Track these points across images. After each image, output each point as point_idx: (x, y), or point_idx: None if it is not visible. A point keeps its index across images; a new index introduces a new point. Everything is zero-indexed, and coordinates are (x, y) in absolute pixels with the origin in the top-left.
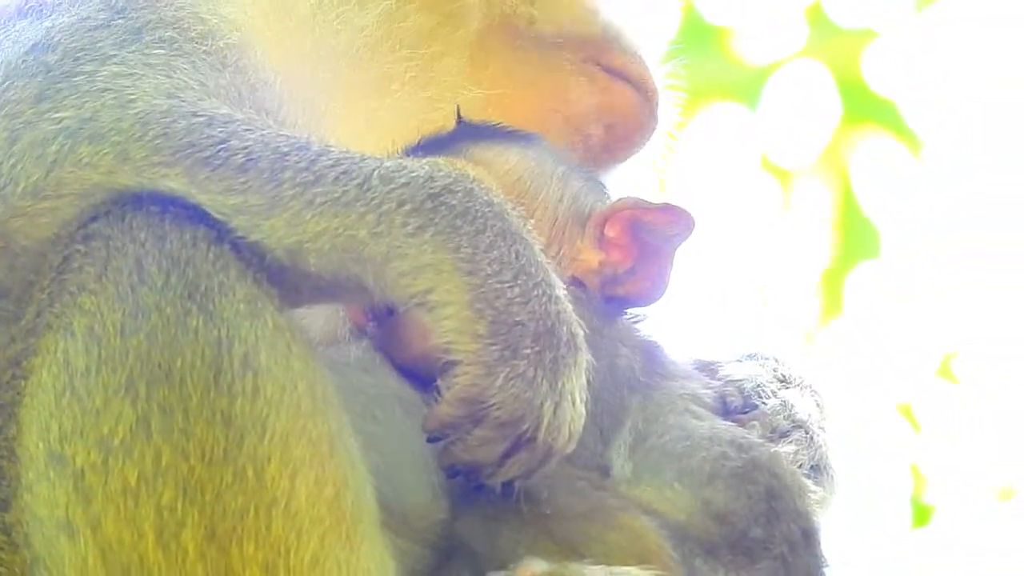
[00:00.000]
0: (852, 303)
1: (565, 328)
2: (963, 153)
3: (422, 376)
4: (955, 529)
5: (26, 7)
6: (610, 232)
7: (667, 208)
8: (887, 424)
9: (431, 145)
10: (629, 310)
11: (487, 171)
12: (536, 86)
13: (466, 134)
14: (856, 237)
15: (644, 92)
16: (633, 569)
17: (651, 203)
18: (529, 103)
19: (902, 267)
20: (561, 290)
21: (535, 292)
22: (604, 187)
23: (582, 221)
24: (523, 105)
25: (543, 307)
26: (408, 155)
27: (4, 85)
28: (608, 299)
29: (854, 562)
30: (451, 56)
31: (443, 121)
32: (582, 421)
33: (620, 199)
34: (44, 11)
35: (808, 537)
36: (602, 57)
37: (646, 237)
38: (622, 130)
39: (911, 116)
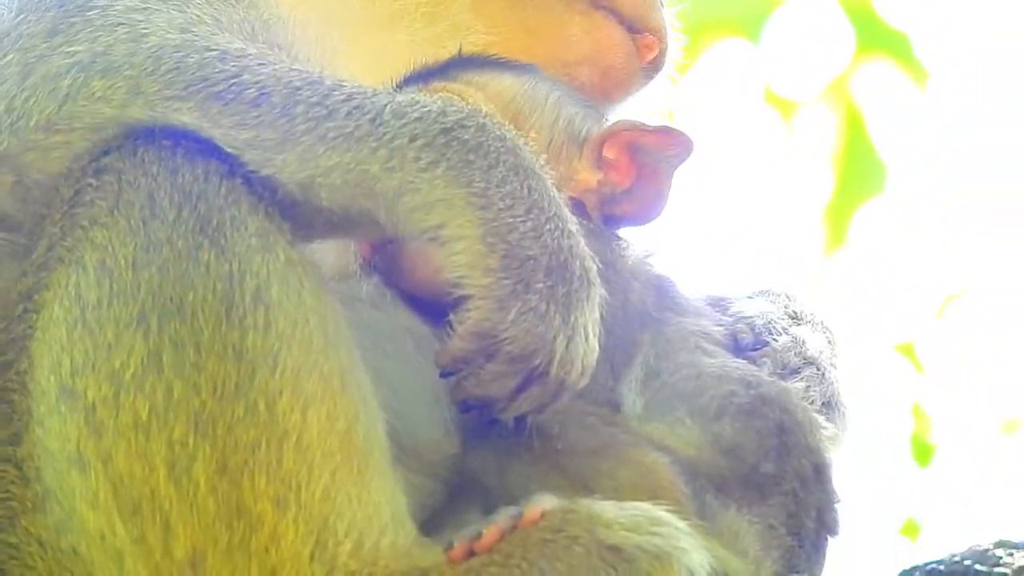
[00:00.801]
0: (856, 238)
1: (578, 262)
2: (972, 87)
3: (433, 311)
4: (959, 464)
5: None
6: (608, 153)
7: (665, 130)
8: (890, 364)
9: (426, 75)
10: (640, 244)
11: (480, 94)
12: (539, 24)
13: (462, 63)
14: (862, 171)
15: (641, 32)
16: (644, 504)
17: (649, 125)
18: (531, 41)
19: (907, 201)
20: (574, 224)
21: (547, 226)
22: (601, 114)
23: (579, 143)
24: (526, 43)
25: (556, 241)
26: (404, 86)
27: (18, 19)
28: (606, 219)
29: (859, 501)
30: None
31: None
32: (595, 356)
33: (618, 121)
34: None
35: (819, 472)
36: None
37: (644, 158)
38: (617, 73)
39: (921, 49)
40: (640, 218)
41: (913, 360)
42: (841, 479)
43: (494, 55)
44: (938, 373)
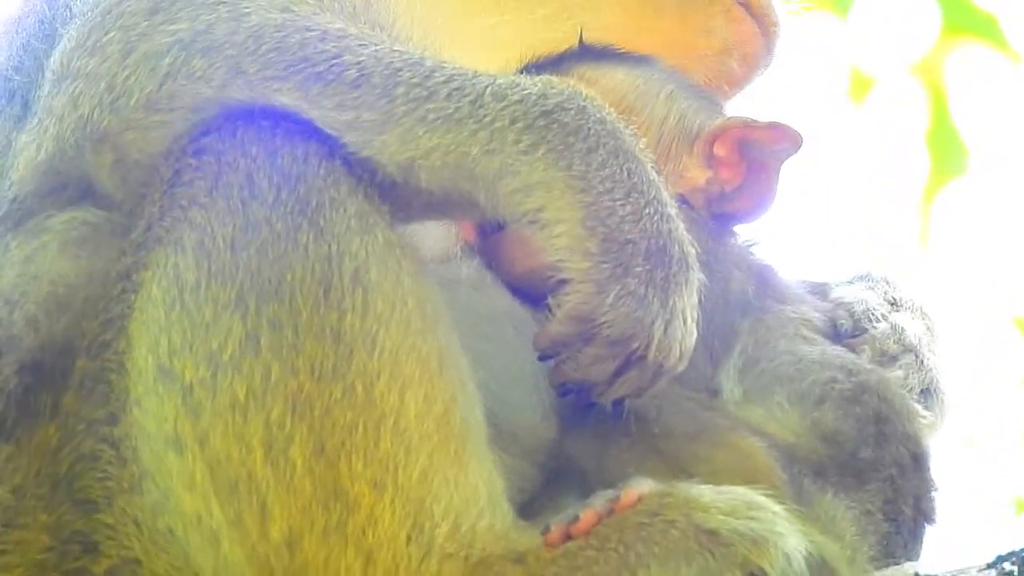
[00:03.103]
0: (941, 219)
1: (677, 247)
2: None
3: (532, 294)
4: None
5: None
6: (719, 151)
7: (775, 126)
8: (1002, 339)
9: (539, 68)
10: (740, 231)
11: (593, 89)
12: (673, 10)
13: (577, 55)
14: (948, 153)
15: (767, 27)
16: (741, 489)
17: (759, 122)
18: (658, 25)
19: (993, 185)
20: (674, 208)
21: (647, 210)
22: (717, 105)
23: (690, 139)
24: (651, 27)
25: (655, 225)
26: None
27: None
28: (713, 216)
29: (969, 477)
30: None
31: (561, 40)
32: (693, 340)
33: (728, 118)
34: None
35: (917, 460)
36: None
37: (754, 154)
38: (745, 63)
39: (1012, 31)
40: (749, 215)
41: None
42: (951, 455)
43: (611, 46)
44: None
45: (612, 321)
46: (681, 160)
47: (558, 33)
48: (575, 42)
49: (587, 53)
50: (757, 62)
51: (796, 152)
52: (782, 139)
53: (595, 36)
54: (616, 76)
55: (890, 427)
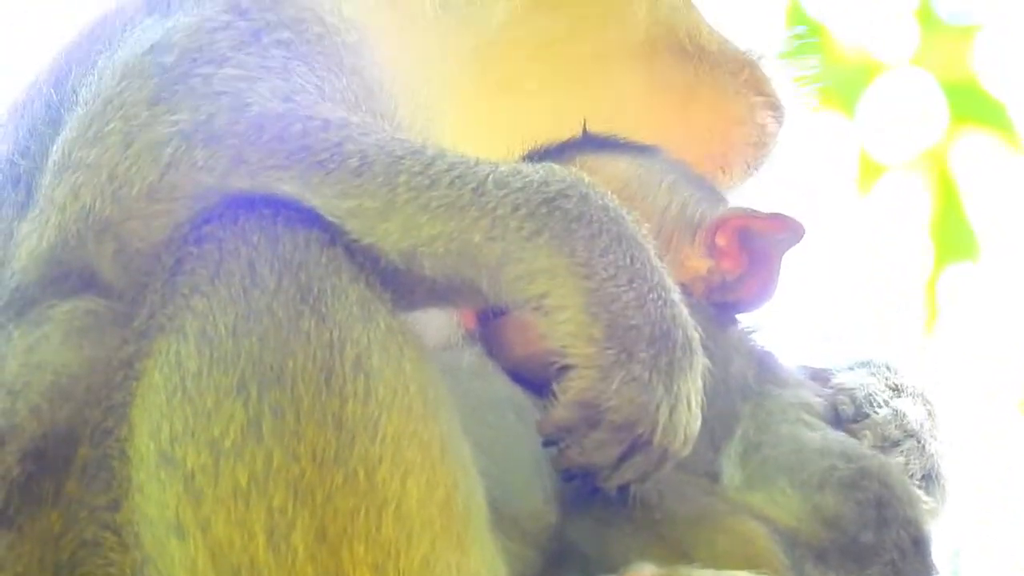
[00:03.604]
0: (952, 307)
1: (681, 331)
2: None
3: (532, 380)
4: None
5: (155, 3)
6: (720, 241)
7: (777, 216)
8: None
9: (543, 155)
10: (741, 318)
11: (595, 177)
12: (667, 102)
13: (580, 144)
14: (955, 241)
15: (776, 117)
16: (742, 573)
17: (761, 212)
18: (658, 118)
19: (1001, 271)
20: (676, 294)
21: (650, 295)
22: (720, 196)
23: (691, 229)
24: (650, 119)
25: (658, 310)
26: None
27: (121, 86)
28: (714, 305)
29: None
30: (588, 62)
31: (563, 129)
32: (697, 424)
33: (730, 209)
34: (170, 9)
35: (918, 545)
36: (757, 82)
37: (755, 244)
38: (756, 156)
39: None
40: (750, 304)
41: None
42: (966, 534)
43: (613, 136)
44: None
45: (617, 406)
46: (682, 250)
47: (561, 122)
48: (578, 131)
49: (590, 142)
50: (765, 151)
51: (798, 242)
52: (784, 229)
53: (599, 125)
54: (619, 165)
55: (891, 512)
